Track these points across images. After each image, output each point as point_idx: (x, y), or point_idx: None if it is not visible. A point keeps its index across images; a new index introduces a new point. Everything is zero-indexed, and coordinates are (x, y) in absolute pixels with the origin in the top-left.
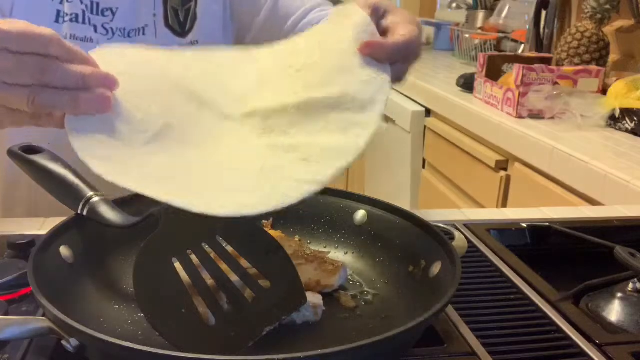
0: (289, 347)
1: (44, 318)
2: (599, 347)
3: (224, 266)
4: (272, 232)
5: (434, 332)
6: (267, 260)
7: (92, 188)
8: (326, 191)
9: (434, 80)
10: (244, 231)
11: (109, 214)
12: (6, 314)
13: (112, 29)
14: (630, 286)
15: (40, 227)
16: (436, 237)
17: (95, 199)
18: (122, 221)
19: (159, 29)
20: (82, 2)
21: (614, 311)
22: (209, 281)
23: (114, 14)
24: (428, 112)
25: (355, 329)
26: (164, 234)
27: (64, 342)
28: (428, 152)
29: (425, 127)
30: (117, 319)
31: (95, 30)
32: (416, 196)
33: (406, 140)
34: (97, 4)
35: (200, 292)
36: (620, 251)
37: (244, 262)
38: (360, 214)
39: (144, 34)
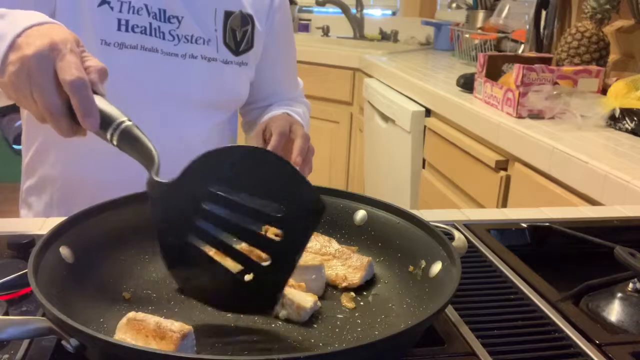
0: (289, 347)
1: (44, 318)
2: (599, 347)
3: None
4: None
5: (434, 332)
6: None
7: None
8: (326, 191)
9: (434, 80)
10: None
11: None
12: (6, 314)
13: (177, 35)
14: (630, 286)
15: (40, 227)
16: (436, 237)
17: (128, 123)
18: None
19: (220, 45)
20: (149, 14)
21: (614, 311)
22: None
23: (179, 21)
24: (428, 112)
25: (355, 329)
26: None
27: (64, 342)
28: (428, 152)
29: (425, 127)
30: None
31: (163, 38)
32: (416, 196)
33: (406, 140)
34: (164, 11)
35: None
36: (620, 251)
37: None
38: (360, 214)
39: (208, 45)
